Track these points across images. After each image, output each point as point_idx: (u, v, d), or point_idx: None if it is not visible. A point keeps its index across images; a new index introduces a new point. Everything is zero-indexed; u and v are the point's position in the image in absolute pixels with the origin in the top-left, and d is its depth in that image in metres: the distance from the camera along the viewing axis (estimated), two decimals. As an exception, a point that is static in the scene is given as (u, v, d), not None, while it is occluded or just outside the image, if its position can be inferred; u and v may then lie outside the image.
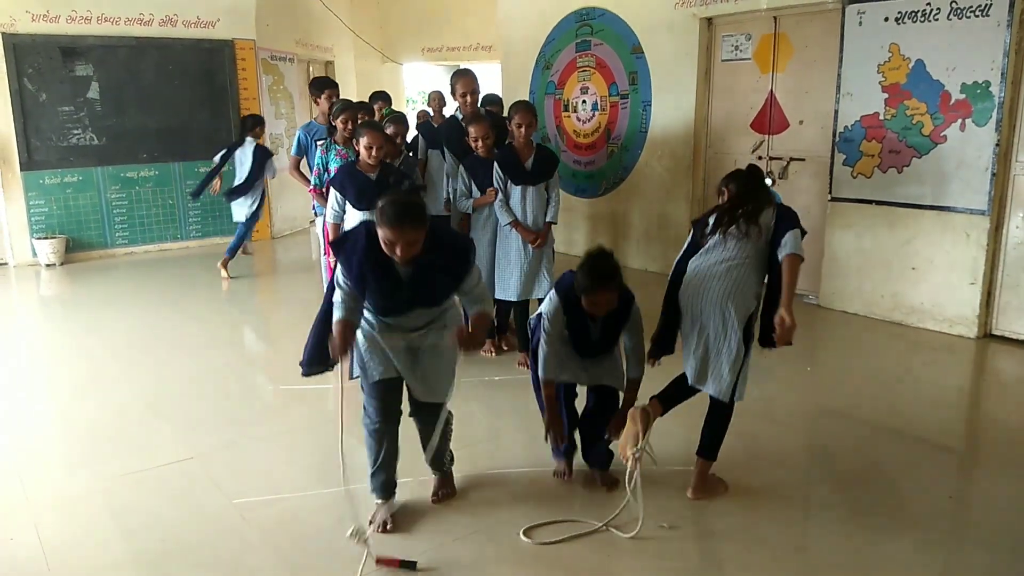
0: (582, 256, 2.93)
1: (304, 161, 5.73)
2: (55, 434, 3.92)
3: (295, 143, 5.77)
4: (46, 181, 8.02)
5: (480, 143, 4.49)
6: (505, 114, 5.52)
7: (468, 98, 4.82)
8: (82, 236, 8.25)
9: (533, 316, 3.15)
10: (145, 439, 3.75)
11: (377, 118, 5.29)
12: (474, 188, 4.60)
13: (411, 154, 5.25)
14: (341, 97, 5.67)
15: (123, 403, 4.23)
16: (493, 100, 6.01)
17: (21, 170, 7.86)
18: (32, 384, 4.67)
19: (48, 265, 7.91)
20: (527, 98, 8.28)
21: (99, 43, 8.08)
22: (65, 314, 6.41)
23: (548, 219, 4.54)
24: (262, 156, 7.13)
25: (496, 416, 4.04)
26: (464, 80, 4.84)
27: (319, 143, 5.25)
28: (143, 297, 6.71)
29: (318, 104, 5.77)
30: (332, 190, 4.33)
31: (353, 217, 4.24)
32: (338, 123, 4.92)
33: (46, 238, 7.95)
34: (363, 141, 4.16)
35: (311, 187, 5.09)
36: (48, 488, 3.30)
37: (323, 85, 5.80)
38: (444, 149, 5.00)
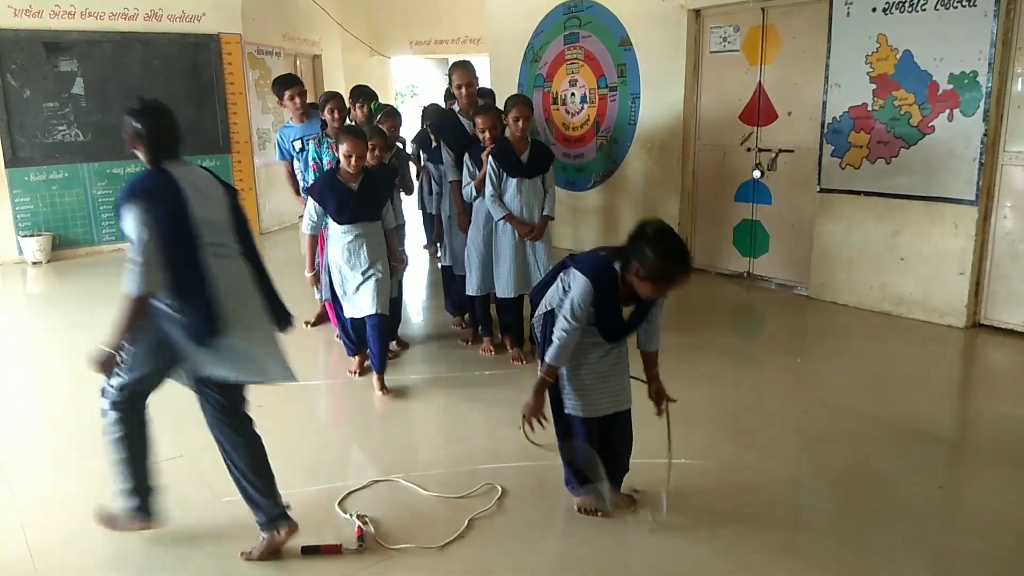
0: (640, 230, 2.62)
1: (294, 164, 5.25)
2: (42, 433, 3.89)
3: (276, 150, 5.35)
4: (31, 178, 7.95)
5: (487, 134, 4.43)
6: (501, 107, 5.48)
7: (464, 90, 4.74)
8: (68, 233, 8.18)
9: (536, 317, 2.86)
10: (133, 438, 3.72)
11: (359, 116, 5.07)
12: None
13: (403, 148, 5.19)
14: (327, 91, 5.47)
15: (111, 401, 4.19)
16: (485, 93, 5.91)
17: (6, 167, 7.78)
18: (18, 382, 4.63)
19: (35, 263, 7.84)
20: (515, 90, 8.25)
21: (83, 38, 8.01)
22: (52, 311, 6.36)
23: (545, 213, 4.51)
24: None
25: (487, 412, 4.03)
26: (461, 71, 4.77)
27: (302, 140, 5.13)
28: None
29: (284, 106, 5.31)
30: (310, 199, 4.10)
31: (335, 230, 4.07)
32: (325, 114, 4.81)
33: (32, 235, 7.88)
34: (342, 149, 3.91)
35: (309, 184, 4.93)
36: (35, 488, 3.27)
37: (285, 84, 5.22)
38: (444, 146, 4.89)
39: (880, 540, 2.75)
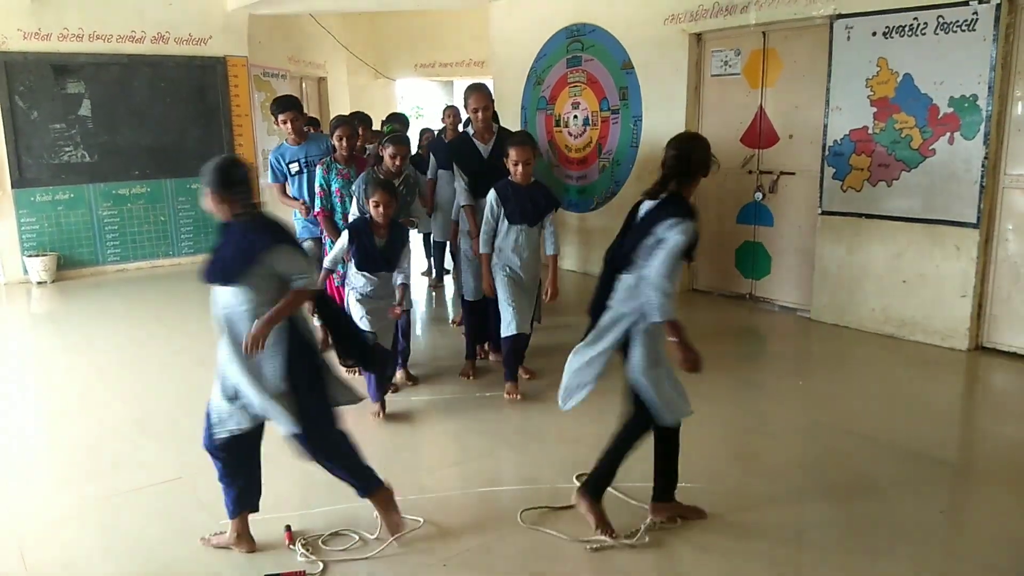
0: None
1: (288, 187, 5.26)
2: (42, 453, 3.89)
3: (270, 171, 5.33)
4: (37, 199, 8.00)
5: (520, 168, 4.13)
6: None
7: (481, 114, 4.59)
8: (73, 253, 8.23)
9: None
10: (133, 458, 3.72)
11: (359, 142, 4.96)
12: (503, 218, 4.23)
13: (414, 172, 5.07)
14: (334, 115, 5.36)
15: (111, 422, 4.20)
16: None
17: (12, 188, 7.85)
18: (20, 402, 4.63)
19: (39, 283, 7.88)
20: (519, 112, 8.30)
21: (91, 61, 8.10)
22: (56, 331, 6.38)
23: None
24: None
25: (487, 435, 4.01)
26: (477, 95, 4.59)
27: (299, 163, 5.12)
28: (134, 314, 6.68)
29: (279, 127, 5.29)
30: (346, 234, 4.06)
31: (356, 274, 4.09)
32: (334, 140, 4.78)
33: (37, 255, 7.92)
34: (372, 199, 3.92)
35: (317, 210, 4.76)
36: (33, 509, 3.27)
37: (280, 107, 5.16)
38: (457, 168, 4.71)
39: (885, 564, 2.73)
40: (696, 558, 2.80)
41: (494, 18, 8.60)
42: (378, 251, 3.98)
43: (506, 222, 4.25)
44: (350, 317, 3.89)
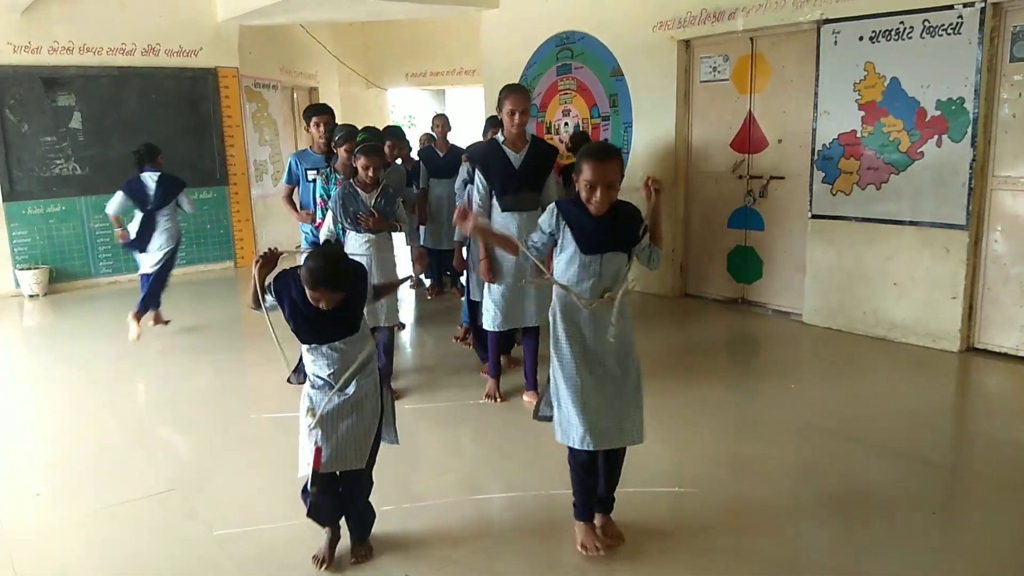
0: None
1: (296, 191, 5.17)
2: (34, 466, 3.87)
3: (286, 172, 5.26)
4: (28, 211, 7.99)
5: (599, 194, 2.74)
6: None
7: (518, 118, 4.16)
8: (65, 266, 8.20)
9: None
10: (125, 471, 3.71)
11: (336, 159, 4.78)
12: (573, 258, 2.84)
13: (398, 184, 5.07)
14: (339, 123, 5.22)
15: (104, 434, 4.19)
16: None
17: (3, 201, 7.83)
18: (12, 415, 4.62)
19: (31, 296, 7.85)
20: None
21: (81, 73, 8.10)
22: (47, 345, 6.36)
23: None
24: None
25: (481, 441, 4.02)
26: (515, 96, 4.16)
27: (312, 171, 5.10)
28: (126, 327, 6.65)
29: (309, 132, 5.21)
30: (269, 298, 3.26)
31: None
32: (342, 151, 4.73)
33: (29, 268, 7.90)
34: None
35: (318, 221, 4.70)
36: (25, 521, 3.25)
37: (314, 111, 5.17)
38: (479, 176, 4.27)
39: (878, 566, 2.73)
40: (693, 562, 2.79)
41: (484, 27, 8.62)
42: (325, 316, 2.70)
43: (572, 246, 2.83)
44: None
